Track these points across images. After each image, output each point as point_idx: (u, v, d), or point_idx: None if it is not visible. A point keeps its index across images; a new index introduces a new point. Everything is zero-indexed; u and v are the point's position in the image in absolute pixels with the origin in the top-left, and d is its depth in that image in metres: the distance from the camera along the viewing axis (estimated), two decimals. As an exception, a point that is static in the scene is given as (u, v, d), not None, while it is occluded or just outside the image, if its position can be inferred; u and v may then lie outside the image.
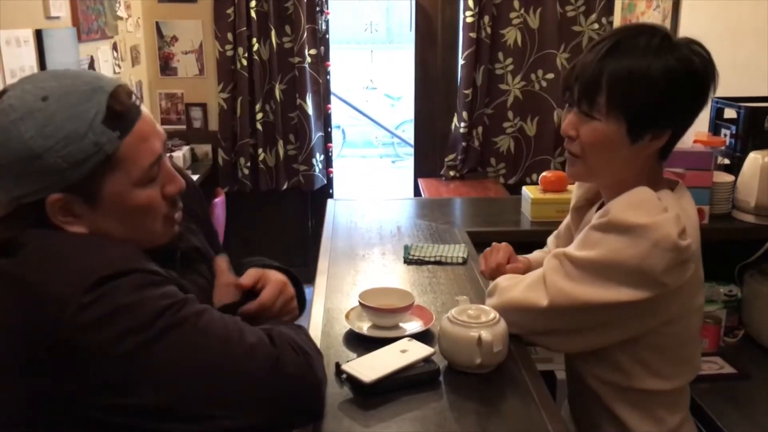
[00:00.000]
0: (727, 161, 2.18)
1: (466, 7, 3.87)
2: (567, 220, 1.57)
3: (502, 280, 1.41)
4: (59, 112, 0.96)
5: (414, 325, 1.41)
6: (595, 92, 1.23)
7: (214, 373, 0.96)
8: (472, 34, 3.87)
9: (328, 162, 4.30)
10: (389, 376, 1.19)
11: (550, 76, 3.97)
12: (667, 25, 3.17)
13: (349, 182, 7.11)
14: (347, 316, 1.43)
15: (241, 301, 1.19)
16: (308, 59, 3.99)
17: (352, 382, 1.19)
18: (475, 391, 1.22)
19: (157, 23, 3.99)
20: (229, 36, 3.90)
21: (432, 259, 1.84)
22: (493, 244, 1.60)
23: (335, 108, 4.63)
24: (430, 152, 4.31)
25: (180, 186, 1.09)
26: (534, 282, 1.31)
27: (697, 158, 1.98)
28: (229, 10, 3.86)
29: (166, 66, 4.08)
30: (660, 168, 1.32)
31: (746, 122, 2.11)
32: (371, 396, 1.17)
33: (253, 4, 3.85)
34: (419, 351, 1.26)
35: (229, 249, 1.45)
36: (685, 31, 3.11)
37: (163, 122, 4.11)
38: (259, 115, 4.01)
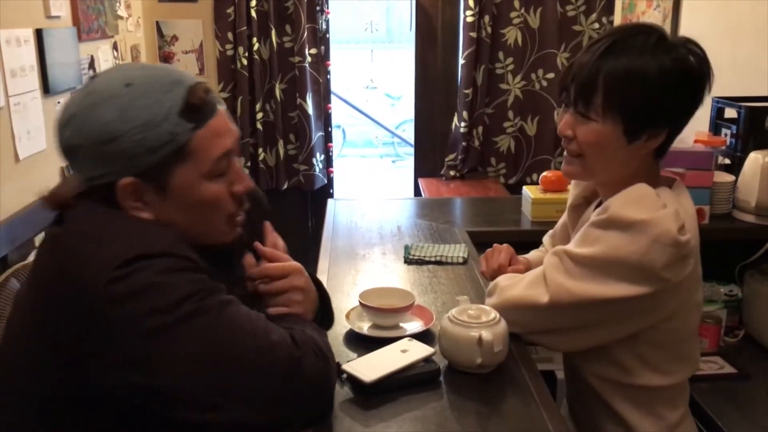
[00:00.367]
0: (727, 161, 2.18)
1: (467, 7, 3.86)
2: (563, 218, 1.57)
3: (502, 280, 1.41)
4: (139, 100, 1.00)
5: (414, 325, 1.41)
6: (592, 92, 1.23)
7: (232, 365, 0.97)
8: (473, 34, 3.87)
9: (328, 162, 4.30)
10: (390, 375, 1.19)
11: (551, 75, 3.97)
12: (668, 24, 3.17)
13: (350, 182, 7.10)
14: (347, 316, 1.43)
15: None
16: (308, 59, 3.99)
17: (353, 381, 1.20)
18: (476, 391, 1.22)
19: (157, 23, 3.98)
20: (230, 35, 3.90)
21: (432, 259, 1.84)
22: (494, 245, 1.60)
23: (335, 108, 4.62)
24: (431, 152, 4.30)
25: (247, 186, 1.12)
26: (534, 280, 1.31)
27: (698, 158, 1.98)
28: (230, 10, 3.86)
29: (166, 65, 4.07)
30: (657, 166, 1.33)
31: (747, 122, 2.11)
32: (372, 396, 1.18)
33: (253, 3, 3.85)
34: (420, 351, 1.26)
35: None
36: (685, 30, 3.11)
37: (164, 122, 4.10)
38: (260, 115, 4.00)
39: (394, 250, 1.94)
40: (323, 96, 4.16)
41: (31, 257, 2.23)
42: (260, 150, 4.06)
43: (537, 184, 2.32)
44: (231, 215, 1.12)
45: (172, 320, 0.94)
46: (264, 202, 1.40)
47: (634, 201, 1.22)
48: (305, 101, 4.02)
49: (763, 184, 1.97)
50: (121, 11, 3.53)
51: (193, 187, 1.05)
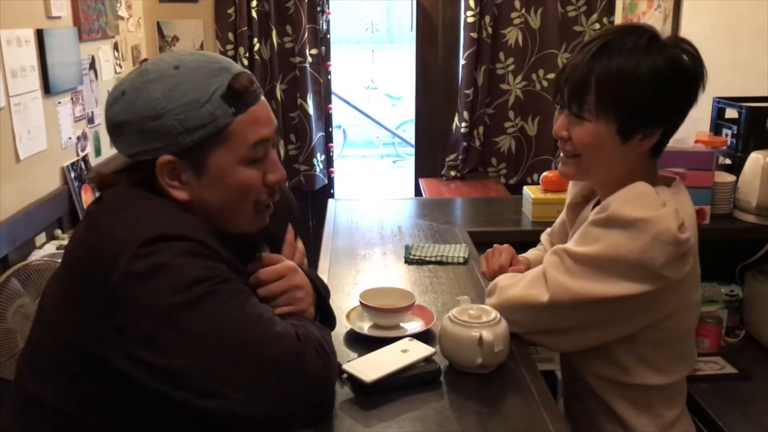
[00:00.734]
0: (728, 161, 2.18)
1: (467, 7, 3.87)
2: (561, 216, 1.57)
3: (502, 279, 1.41)
4: (186, 81, 1.05)
5: (415, 325, 1.41)
6: (585, 93, 1.23)
7: (237, 352, 0.98)
8: (473, 34, 3.87)
9: (329, 162, 4.30)
10: (390, 375, 1.19)
11: (552, 76, 3.96)
12: (668, 25, 3.17)
13: (350, 182, 7.10)
14: (348, 316, 1.43)
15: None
16: (309, 59, 3.99)
17: (353, 381, 1.19)
18: (476, 391, 1.22)
19: (158, 23, 3.98)
20: (230, 36, 3.90)
21: (433, 259, 1.84)
22: (495, 245, 1.60)
23: (336, 108, 4.62)
24: (431, 152, 4.30)
25: (281, 176, 1.15)
26: (534, 279, 1.31)
27: (699, 158, 1.98)
28: (230, 10, 3.86)
29: (167, 66, 4.07)
30: (654, 166, 1.33)
31: (747, 122, 2.11)
32: (372, 396, 1.18)
33: (254, 4, 3.85)
34: (420, 351, 1.26)
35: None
36: (686, 30, 3.11)
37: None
38: (260, 115, 4.00)
39: (394, 250, 1.94)
40: (324, 96, 4.16)
41: (32, 257, 2.23)
42: (261, 150, 4.05)
43: (538, 184, 2.32)
44: (260, 203, 1.14)
45: (184, 301, 0.96)
46: (292, 201, 1.42)
47: (634, 199, 1.22)
48: (306, 101, 4.02)
49: (764, 185, 1.97)
50: (122, 11, 3.53)
51: (229, 170, 1.08)
